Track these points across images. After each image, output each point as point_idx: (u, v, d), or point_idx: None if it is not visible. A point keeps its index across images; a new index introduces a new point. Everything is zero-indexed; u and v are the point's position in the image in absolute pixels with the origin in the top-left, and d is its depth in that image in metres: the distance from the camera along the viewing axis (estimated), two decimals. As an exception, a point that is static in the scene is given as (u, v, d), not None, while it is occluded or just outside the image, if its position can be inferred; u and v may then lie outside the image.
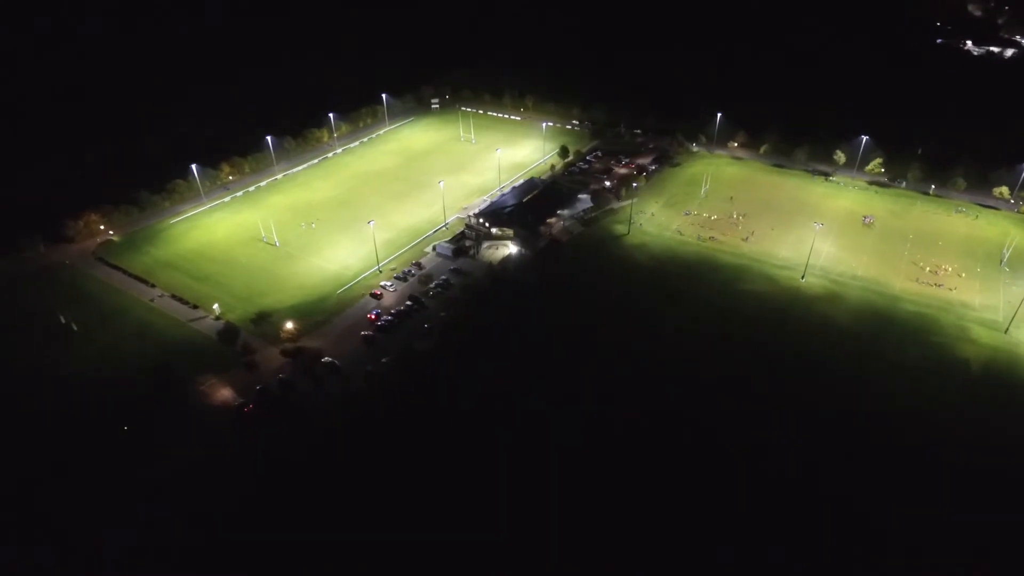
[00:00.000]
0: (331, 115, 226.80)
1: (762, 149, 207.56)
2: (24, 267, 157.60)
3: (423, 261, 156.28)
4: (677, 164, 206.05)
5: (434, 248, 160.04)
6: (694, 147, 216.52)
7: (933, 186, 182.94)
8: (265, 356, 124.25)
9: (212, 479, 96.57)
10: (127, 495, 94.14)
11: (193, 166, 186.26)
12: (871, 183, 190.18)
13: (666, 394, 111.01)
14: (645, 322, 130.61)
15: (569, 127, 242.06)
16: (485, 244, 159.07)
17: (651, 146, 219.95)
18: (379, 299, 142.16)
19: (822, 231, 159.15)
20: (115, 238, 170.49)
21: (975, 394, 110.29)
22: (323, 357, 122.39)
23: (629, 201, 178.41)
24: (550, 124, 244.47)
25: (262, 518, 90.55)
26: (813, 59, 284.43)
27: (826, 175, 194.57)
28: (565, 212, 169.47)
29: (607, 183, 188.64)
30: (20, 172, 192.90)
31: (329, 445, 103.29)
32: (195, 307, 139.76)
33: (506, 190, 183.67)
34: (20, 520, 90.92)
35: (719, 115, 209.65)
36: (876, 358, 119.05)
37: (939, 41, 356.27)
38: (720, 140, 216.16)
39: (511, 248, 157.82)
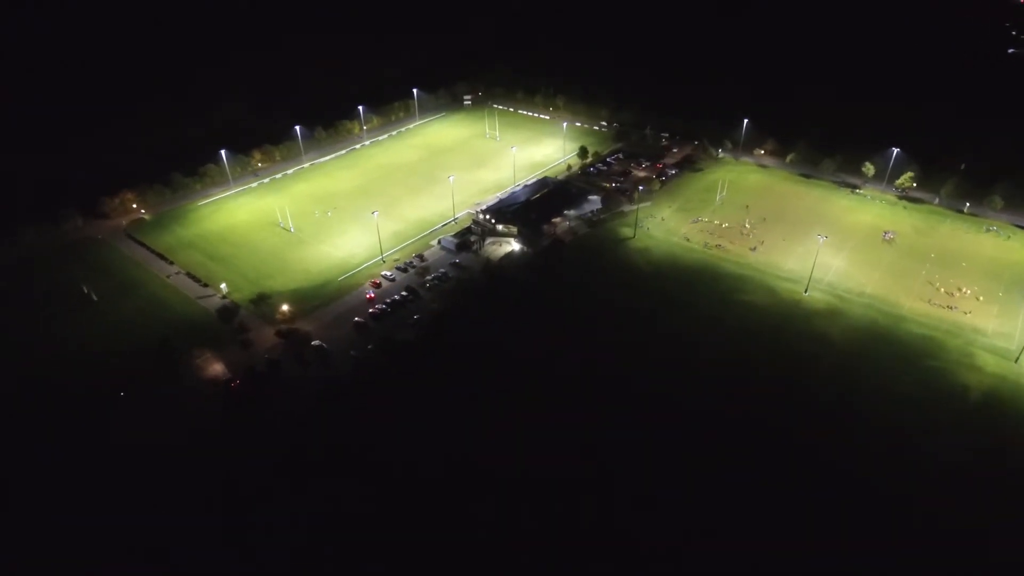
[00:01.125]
0: (360, 108, 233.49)
1: (789, 157, 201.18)
2: (63, 239, 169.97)
3: (427, 254, 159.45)
4: (699, 170, 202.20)
5: (439, 242, 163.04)
6: (720, 153, 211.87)
7: (968, 204, 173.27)
8: (260, 336, 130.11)
9: (191, 446, 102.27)
10: (111, 458, 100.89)
11: (222, 152, 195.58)
12: (901, 197, 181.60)
13: (637, 399, 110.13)
14: (633, 326, 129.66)
15: (597, 128, 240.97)
16: (488, 240, 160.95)
17: (675, 150, 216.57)
18: (378, 288, 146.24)
19: (838, 245, 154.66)
20: (146, 216, 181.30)
21: (966, 424, 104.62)
22: (313, 340, 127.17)
23: (641, 205, 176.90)
24: (578, 124, 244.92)
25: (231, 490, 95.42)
26: (854, 67, 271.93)
27: (854, 187, 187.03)
28: (571, 212, 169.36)
29: (621, 186, 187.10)
30: (65, 151, 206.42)
31: (303, 424, 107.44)
32: (205, 285, 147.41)
33: (519, 188, 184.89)
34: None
35: (746, 121, 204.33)
36: (866, 379, 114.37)
37: (1011, 51, 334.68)
38: (749, 147, 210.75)
39: (514, 245, 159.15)
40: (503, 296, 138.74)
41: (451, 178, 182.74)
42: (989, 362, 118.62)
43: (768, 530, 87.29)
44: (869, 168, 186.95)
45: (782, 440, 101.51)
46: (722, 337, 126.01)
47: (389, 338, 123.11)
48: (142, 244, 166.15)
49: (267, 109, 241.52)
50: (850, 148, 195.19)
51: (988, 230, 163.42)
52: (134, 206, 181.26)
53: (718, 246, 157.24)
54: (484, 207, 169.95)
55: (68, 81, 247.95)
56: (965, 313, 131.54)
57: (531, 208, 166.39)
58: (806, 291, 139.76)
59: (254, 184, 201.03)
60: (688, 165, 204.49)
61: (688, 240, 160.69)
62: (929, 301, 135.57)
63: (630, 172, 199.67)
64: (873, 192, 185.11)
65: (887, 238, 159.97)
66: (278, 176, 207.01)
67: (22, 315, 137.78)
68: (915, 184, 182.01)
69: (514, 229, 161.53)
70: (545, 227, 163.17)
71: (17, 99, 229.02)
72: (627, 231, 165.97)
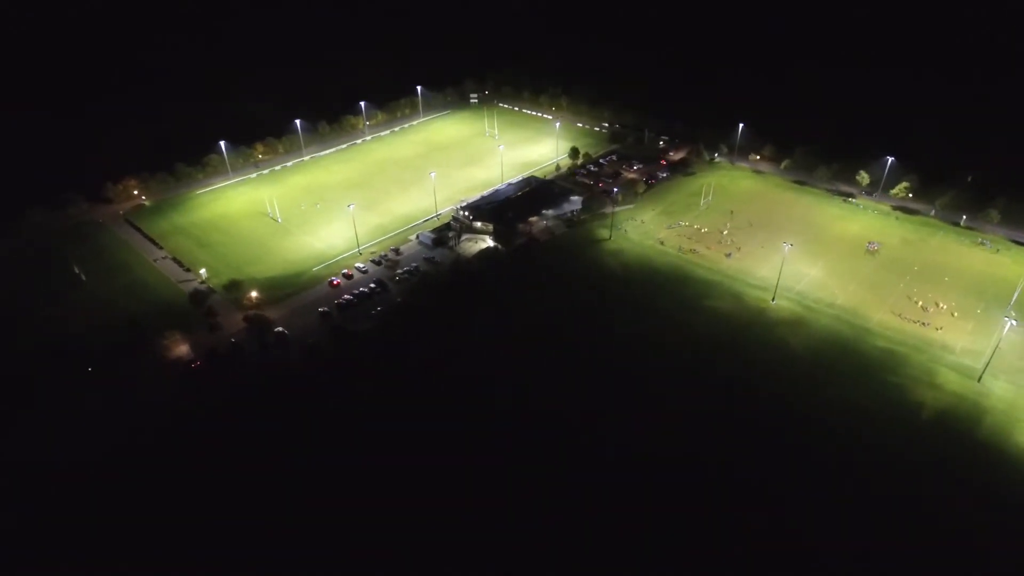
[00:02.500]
0: (362, 103, 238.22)
1: (783, 164, 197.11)
2: (68, 222, 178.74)
3: (403, 248, 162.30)
4: (691, 174, 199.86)
5: (417, 237, 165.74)
6: (716, 157, 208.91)
7: (964, 216, 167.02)
8: (228, 320, 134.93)
9: (148, 420, 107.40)
10: (77, 422, 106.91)
11: (222, 143, 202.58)
12: (895, 208, 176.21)
13: (580, 400, 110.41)
14: (589, 327, 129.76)
15: (598, 129, 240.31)
16: (464, 237, 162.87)
17: (671, 154, 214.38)
18: (350, 279, 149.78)
19: (817, 254, 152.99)
20: (146, 203, 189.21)
21: (915, 441, 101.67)
22: (276, 327, 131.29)
23: (624, 207, 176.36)
24: (579, 125, 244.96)
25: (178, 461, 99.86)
26: (856, 71, 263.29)
27: (847, 196, 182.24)
28: (550, 212, 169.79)
29: (606, 187, 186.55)
30: (78, 138, 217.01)
31: (255, 404, 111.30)
32: (187, 270, 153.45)
33: (504, 186, 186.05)
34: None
35: (741, 126, 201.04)
36: (817, 391, 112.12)
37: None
38: (748, 152, 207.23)
39: (489, 243, 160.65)
40: (465, 293, 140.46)
41: (432, 174, 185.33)
42: (950, 380, 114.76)
43: (701, 534, 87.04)
44: (864, 177, 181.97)
45: (721, 445, 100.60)
46: (679, 341, 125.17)
47: (341, 327, 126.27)
48: (137, 228, 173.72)
49: (276, 104, 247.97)
50: (850, 156, 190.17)
51: (980, 243, 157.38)
52: (135, 192, 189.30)
53: (693, 251, 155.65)
54: (464, 204, 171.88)
55: (88, 69, 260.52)
56: (937, 329, 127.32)
57: (509, 206, 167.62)
58: (773, 299, 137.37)
59: (253, 175, 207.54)
60: (681, 169, 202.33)
61: (663, 244, 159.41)
62: (900, 315, 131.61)
63: (620, 174, 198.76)
64: (867, 202, 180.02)
65: (871, 249, 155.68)
66: (277, 168, 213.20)
67: (16, 291, 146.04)
68: (911, 195, 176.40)
69: (490, 227, 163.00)
70: (521, 226, 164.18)
71: (39, 85, 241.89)
72: (604, 232, 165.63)
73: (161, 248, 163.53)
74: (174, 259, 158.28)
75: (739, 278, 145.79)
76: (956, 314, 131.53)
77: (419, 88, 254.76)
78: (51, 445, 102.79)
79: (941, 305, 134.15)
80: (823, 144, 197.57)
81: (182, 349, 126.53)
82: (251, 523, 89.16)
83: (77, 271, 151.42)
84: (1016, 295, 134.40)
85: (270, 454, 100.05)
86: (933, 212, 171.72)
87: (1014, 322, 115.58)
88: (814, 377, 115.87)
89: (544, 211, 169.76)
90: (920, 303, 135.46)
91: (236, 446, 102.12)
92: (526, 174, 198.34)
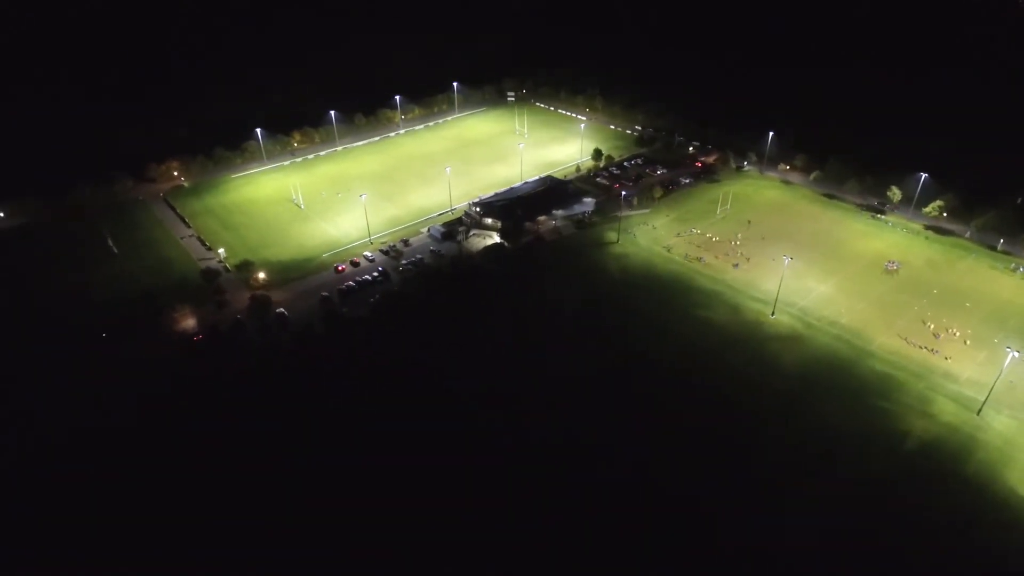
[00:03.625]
0: (397, 98, 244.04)
1: (813, 175, 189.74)
2: (113, 198, 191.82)
3: (413, 240, 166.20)
4: (716, 181, 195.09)
5: (428, 230, 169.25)
6: (746, 166, 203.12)
7: (1002, 240, 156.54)
8: (236, 298, 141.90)
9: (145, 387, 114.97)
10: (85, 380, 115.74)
11: (258, 130, 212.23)
12: (928, 227, 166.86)
13: (548, 399, 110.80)
14: (578, 328, 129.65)
15: (629, 132, 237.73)
16: (472, 232, 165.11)
17: (701, 159, 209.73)
18: (356, 267, 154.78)
19: (832, 270, 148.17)
20: (185, 184, 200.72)
21: (891, 471, 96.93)
22: (278, 308, 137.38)
23: (638, 211, 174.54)
24: (612, 127, 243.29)
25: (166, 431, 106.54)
26: (904, 88, 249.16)
27: (880, 212, 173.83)
28: (560, 212, 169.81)
29: (624, 190, 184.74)
30: (133, 120, 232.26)
31: (244, 380, 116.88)
32: (209, 249, 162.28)
33: (521, 185, 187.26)
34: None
35: (771, 134, 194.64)
36: (798, 411, 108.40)
37: None
38: (780, 161, 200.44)
39: (495, 239, 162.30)
40: (461, 286, 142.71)
41: (448, 169, 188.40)
42: (946, 410, 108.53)
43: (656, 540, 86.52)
44: (895, 193, 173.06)
45: (677, 457, 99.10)
46: (666, 349, 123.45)
47: (333, 311, 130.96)
48: (172, 207, 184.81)
49: (319, 94, 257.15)
50: (887, 170, 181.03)
51: (1016, 269, 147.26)
52: (175, 174, 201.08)
53: (699, 259, 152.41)
54: (477, 200, 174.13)
55: (147, 55, 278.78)
56: (946, 358, 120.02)
57: (519, 204, 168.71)
58: (773, 314, 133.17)
59: (287, 163, 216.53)
60: (706, 176, 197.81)
61: (669, 251, 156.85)
62: (906, 339, 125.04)
63: (641, 177, 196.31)
64: (897, 219, 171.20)
65: (890, 268, 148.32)
66: (311, 157, 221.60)
67: (55, 261, 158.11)
68: (945, 214, 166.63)
69: (498, 224, 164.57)
70: (528, 224, 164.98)
71: (101, 70, 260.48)
72: (613, 236, 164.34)
73: (189, 227, 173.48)
74: (198, 238, 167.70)
75: (742, 290, 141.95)
76: (969, 342, 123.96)
77: (455, 84, 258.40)
78: (46, 409, 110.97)
79: (954, 332, 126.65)
80: (858, 156, 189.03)
81: (189, 323, 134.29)
82: (231, 510, 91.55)
83: (110, 244, 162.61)
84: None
85: (253, 437, 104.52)
86: (968, 233, 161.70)
87: (1016, 353, 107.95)
88: (799, 396, 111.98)
89: (554, 211, 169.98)
90: (932, 327, 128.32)
91: (219, 426, 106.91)
92: (546, 174, 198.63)
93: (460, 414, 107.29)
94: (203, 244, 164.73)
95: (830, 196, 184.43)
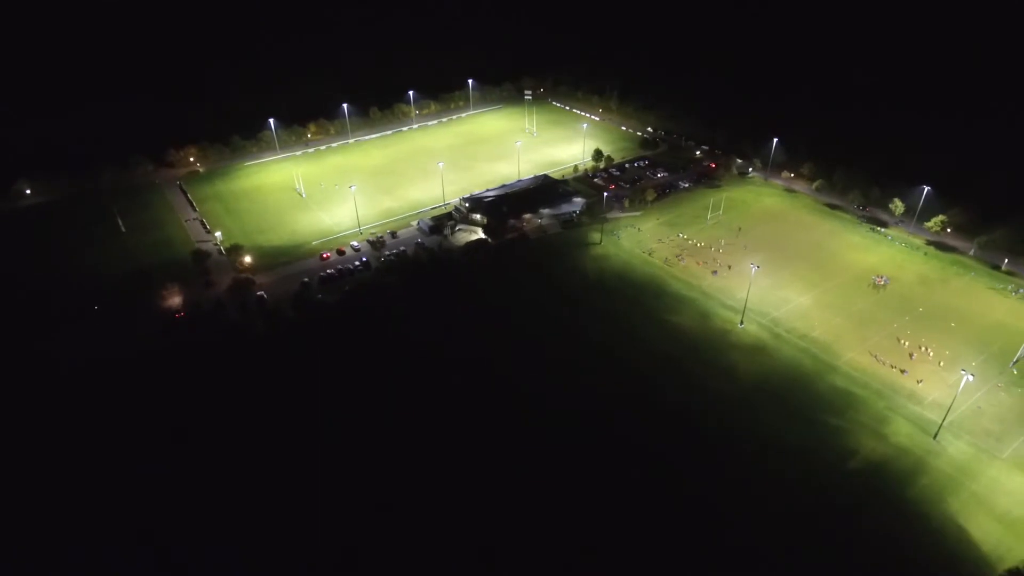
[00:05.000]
0: (411, 92, 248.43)
1: (815, 184, 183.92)
2: (132, 181, 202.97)
3: (401, 232, 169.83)
4: (717, 186, 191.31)
5: (418, 223, 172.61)
6: (750, 172, 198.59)
7: (1007, 259, 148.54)
8: (222, 280, 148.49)
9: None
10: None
11: (271, 120, 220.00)
12: (930, 242, 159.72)
13: (492, 399, 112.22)
14: (541, 325, 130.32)
15: (640, 134, 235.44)
16: (458, 227, 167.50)
17: (705, 163, 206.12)
18: (341, 255, 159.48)
19: (814, 283, 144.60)
20: (200, 169, 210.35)
21: (828, 489, 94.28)
22: (259, 291, 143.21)
23: (630, 213, 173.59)
24: (623, 128, 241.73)
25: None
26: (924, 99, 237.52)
27: (883, 224, 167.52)
28: (546, 211, 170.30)
29: (617, 192, 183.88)
30: (154, 107, 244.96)
31: (219, 354, 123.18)
32: (208, 232, 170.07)
33: (515, 182, 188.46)
34: None
35: (775, 140, 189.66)
36: (742, 419, 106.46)
37: None
38: (790, 168, 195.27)
39: (480, 234, 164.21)
40: (435, 279, 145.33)
41: (440, 164, 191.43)
42: (901, 431, 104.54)
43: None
44: (898, 206, 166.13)
45: (627, 461, 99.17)
46: (626, 351, 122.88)
47: (303, 296, 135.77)
48: (183, 191, 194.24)
49: (340, 88, 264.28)
50: (895, 182, 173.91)
51: (1016, 291, 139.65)
52: (191, 159, 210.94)
53: (678, 264, 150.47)
54: (469, 196, 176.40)
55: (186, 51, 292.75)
56: (918, 382, 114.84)
57: (505, 201, 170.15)
58: (741, 323, 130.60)
59: (299, 153, 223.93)
60: (706, 181, 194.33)
61: (651, 254, 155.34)
62: (876, 357, 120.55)
63: (639, 180, 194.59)
64: (899, 232, 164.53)
65: (877, 283, 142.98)
66: (323, 148, 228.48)
67: (69, 237, 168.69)
68: (948, 229, 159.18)
69: (483, 219, 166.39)
70: (513, 222, 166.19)
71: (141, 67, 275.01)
72: (597, 236, 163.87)
73: (195, 211, 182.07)
74: (201, 221, 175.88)
75: (716, 297, 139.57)
76: (943, 363, 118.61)
77: (470, 81, 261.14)
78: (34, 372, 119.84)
79: (928, 352, 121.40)
80: (866, 167, 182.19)
81: (175, 301, 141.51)
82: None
83: (120, 223, 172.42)
84: (1021, 352, 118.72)
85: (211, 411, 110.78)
86: (973, 251, 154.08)
87: (970, 377, 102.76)
88: (746, 405, 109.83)
89: (542, 210, 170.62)
90: (907, 346, 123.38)
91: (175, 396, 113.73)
92: (547, 172, 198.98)
93: (405, 404, 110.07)
94: (204, 227, 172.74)
95: (832, 206, 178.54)
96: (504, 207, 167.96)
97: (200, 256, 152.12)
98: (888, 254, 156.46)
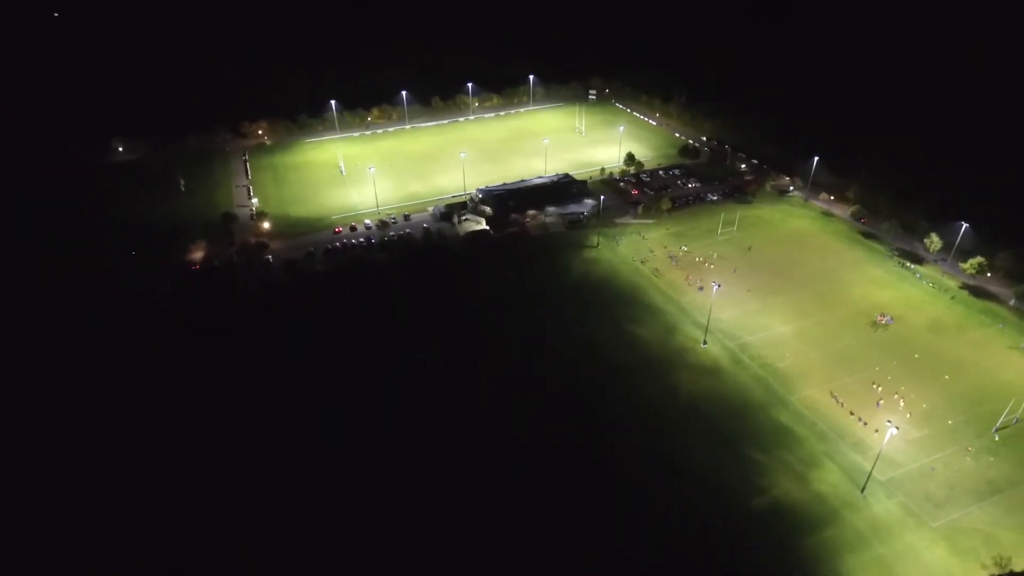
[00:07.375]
0: (469, 84, 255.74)
1: (851, 210, 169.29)
2: (212, 148, 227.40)
3: (415, 216, 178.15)
4: (748, 202, 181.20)
5: (433, 209, 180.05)
6: (791, 191, 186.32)
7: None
8: (242, 241, 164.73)
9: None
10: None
11: (332, 102, 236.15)
12: (965, 286, 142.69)
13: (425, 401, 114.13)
14: (506, 321, 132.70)
15: (692, 141, 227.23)
16: (465, 216, 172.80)
17: (747, 178, 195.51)
18: (353, 231, 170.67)
19: (807, 313, 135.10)
20: (267, 142, 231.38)
21: (729, 526, 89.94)
22: (267, 255, 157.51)
23: (642, 220, 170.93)
24: (677, 135, 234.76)
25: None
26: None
27: (918, 260, 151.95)
28: (552, 209, 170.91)
29: (635, 197, 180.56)
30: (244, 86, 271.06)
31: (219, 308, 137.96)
32: (251, 197, 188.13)
33: (536, 179, 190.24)
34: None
35: (815, 159, 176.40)
36: (665, 445, 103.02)
37: None
38: (831, 190, 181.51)
39: (484, 226, 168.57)
40: (422, 262, 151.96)
41: (462, 154, 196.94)
42: (827, 478, 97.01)
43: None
44: (934, 241, 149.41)
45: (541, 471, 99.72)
46: (578, 357, 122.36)
47: (302, 264, 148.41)
48: (245, 160, 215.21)
49: (418, 78, 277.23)
50: (946, 215, 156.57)
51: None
52: (259, 132, 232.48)
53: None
54: (484, 188, 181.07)
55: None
56: (875, 431, 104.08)
57: (513, 196, 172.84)
58: (704, 343, 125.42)
59: (356, 134, 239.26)
60: (738, 196, 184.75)
61: (643, 263, 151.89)
62: (836, 398, 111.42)
63: (669, 187, 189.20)
64: (931, 271, 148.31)
65: (880, 321, 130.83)
66: (379, 131, 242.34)
67: (139, 192, 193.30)
68: (988, 274, 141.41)
69: (490, 212, 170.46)
70: (516, 217, 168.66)
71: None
72: (596, 239, 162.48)
73: (248, 178, 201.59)
74: (247, 188, 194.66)
75: (690, 314, 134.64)
76: (911, 415, 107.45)
77: (531, 77, 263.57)
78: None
79: (901, 402, 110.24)
80: (927, 196, 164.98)
81: (198, 255, 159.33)
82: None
83: (181, 183, 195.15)
84: (1004, 417, 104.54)
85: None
86: (1013, 301, 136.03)
87: (895, 430, 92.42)
88: (678, 427, 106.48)
89: (548, 207, 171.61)
90: (880, 391, 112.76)
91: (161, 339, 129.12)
92: (574, 172, 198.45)
93: (354, 382, 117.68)
94: (249, 193, 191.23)
95: (868, 235, 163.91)
96: (511, 201, 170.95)
97: (228, 218, 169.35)
98: (908, 293, 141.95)
